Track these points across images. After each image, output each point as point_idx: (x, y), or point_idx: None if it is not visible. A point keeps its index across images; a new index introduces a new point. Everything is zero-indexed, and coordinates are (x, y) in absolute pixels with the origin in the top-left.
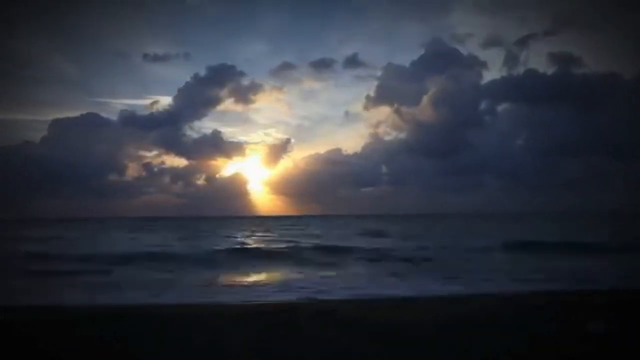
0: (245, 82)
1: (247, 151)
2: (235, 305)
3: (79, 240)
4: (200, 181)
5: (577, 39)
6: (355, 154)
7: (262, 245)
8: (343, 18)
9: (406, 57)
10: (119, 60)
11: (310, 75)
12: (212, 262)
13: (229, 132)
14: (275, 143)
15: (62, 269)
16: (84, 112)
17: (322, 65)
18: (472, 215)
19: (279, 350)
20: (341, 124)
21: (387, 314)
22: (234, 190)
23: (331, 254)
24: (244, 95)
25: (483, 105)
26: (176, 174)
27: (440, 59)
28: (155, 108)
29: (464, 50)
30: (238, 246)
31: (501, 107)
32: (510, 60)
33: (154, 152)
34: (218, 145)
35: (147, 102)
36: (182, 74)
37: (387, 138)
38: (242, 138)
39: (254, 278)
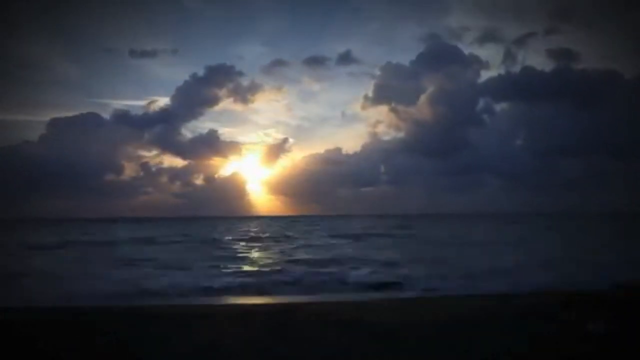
0: (244, 82)
1: (246, 151)
2: (235, 305)
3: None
4: (200, 181)
5: (576, 36)
6: (355, 154)
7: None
8: (341, 17)
9: (405, 56)
10: (117, 59)
11: (307, 73)
12: None
13: (228, 132)
14: (274, 143)
15: None
16: (84, 112)
17: (317, 63)
18: (473, 215)
19: (279, 350)
20: (340, 124)
21: (387, 314)
22: (233, 190)
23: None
24: (243, 95)
25: (482, 104)
26: (175, 174)
27: (439, 57)
28: (153, 108)
29: (462, 47)
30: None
31: (501, 105)
32: (509, 57)
33: (153, 152)
34: (217, 146)
35: (146, 102)
36: (181, 74)
37: (386, 138)
38: (240, 138)
39: None
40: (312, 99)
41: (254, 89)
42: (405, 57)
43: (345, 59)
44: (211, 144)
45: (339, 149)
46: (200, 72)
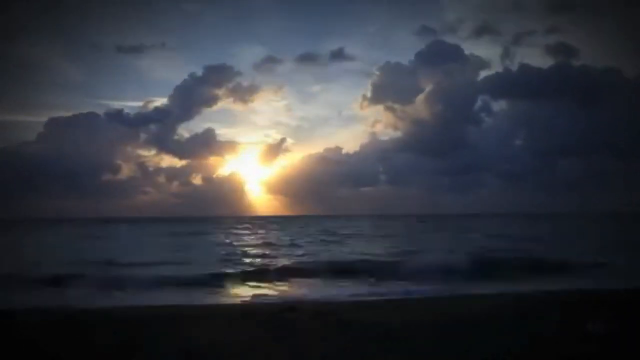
0: (243, 82)
1: (244, 151)
2: (235, 305)
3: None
4: (198, 181)
5: (577, 33)
6: (355, 153)
7: None
8: (339, 17)
9: (403, 53)
10: (115, 59)
11: (306, 72)
12: None
13: (227, 132)
14: (272, 143)
15: None
16: (83, 112)
17: (314, 62)
18: (473, 215)
19: (279, 350)
20: (339, 124)
21: (387, 314)
22: (232, 190)
23: None
24: (242, 95)
25: (480, 102)
26: (174, 174)
27: (437, 55)
28: (151, 108)
29: (459, 42)
30: None
31: (501, 103)
32: (508, 55)
33: (152, 152)
34: (215, 145)
35: (144, 102)
36: (179, 74)
37: (384, 137)
38: (239, 138)
39: None
40: (311, 98)
41: (252, 89)
42: (403, 54)
43: (338, 56)
44: (211, 144)
45: (338, 149)
46: (199, 72)
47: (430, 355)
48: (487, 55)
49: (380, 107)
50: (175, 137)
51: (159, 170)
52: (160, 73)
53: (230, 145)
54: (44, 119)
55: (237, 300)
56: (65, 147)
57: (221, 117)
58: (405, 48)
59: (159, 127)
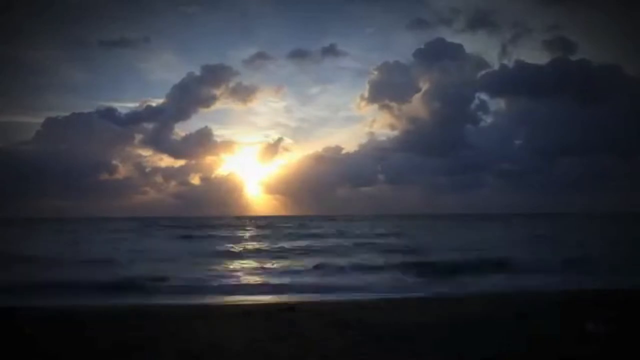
0: (242, 82)
1: (243, 151)
2: (235, 305)
3: None
4: (197, 181)
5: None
6: (355, 152)
7: None
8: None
9: (403, 55)
10: (114, 59)
11: (304, 71)
12: None
13: (225, 132)
14: (272, 143)
15: None
16: (81, 112)
17: (312, 61)
18: (473, 216)
19: (279, 350)
20: (337, 124)
21: (387, 314)
22: (230, 190)
23: None
24: (240, 95)
25: (478, 101)
26: (172, 174)
27: (435, 53)
28: (149, 108)
29: (457, 41)
30: None
31: (500, 102)
32: (505, 53)
33: (149, 152)
34: (214, 145)
35: (142, 102)
36: (177, 74)
37: (383, 137)
38: (237, 138)
39: None
40: (310, 100)
41: (251, 89)
42: (400, 53)
43: (329, 52)
44: (209, 144)
45: (337, 148)
46: (197, 72)
47: (430, 355)
48: (484, 49)
49: (377, 107)
50: (173, 137)
51: (156, 170)
52: (158, 73)
53: (228, 145)
54: (41, 119)
55: (237, 300)
56: (62, 147)
57: (219, 117)
58: (402, 46)
59: (156, 127)
